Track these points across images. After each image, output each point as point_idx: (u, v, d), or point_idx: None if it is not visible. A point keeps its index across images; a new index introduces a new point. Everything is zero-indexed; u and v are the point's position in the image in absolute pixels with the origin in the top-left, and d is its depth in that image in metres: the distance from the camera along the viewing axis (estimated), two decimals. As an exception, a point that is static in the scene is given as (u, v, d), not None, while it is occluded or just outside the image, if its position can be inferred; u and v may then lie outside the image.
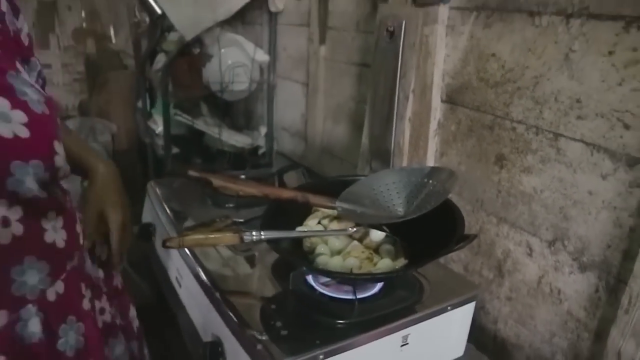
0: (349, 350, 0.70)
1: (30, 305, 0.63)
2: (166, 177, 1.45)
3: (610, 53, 0.79)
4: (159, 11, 1.79)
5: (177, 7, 1.77)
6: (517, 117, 0.96)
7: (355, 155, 1.43)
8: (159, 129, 2.22)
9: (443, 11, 1.07)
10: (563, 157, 0.89)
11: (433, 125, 1.16)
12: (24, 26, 0.70)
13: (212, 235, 0.74)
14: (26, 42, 0.70)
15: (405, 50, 1.12)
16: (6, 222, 0.58)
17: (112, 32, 3.90)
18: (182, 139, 2.16)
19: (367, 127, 1.30)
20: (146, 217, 1.26)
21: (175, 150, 2.03)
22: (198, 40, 1.89)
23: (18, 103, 0.59)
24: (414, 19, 1.10)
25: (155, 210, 1.20)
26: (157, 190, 1.26)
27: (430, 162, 1.18)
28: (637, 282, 0.76)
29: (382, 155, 1.25)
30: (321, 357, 0.67)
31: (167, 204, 1.18)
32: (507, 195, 1.01)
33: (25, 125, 0.58)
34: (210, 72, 1.90)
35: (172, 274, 1.03)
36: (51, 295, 0.66)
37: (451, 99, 1.12)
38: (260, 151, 2.07)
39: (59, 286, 0.68)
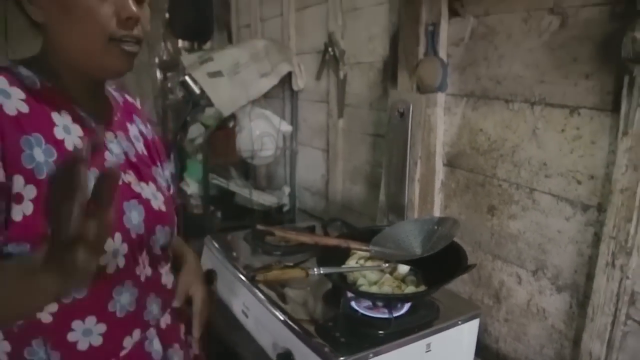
0: (389, 352, 0.97)
1: (152, 329, 0.88)
2: (220, 229, 1.73)
3: (562, 130, 1.11)
4: (197, 91, 2.14)
5: (217, 89, 2.12)
6: (502, 177, 1.27)
7: (371, 209, 1.73)
8: (191, 190, 2.53)
9: (441, 97, 1.40)
10: (537, 205, 1.19)
11: (437, 184, 1.46)
12: (155, 136, 1.00)
13: (287, 271, 1.02)
14: (158, 148, 1.00)
15: (413, 127, 1.45)
16: (143, 265, 0.85)
17: (137, 102, 4.30)
18: (214, 198, 2.46)
19: (384, 187, 1.61)
20: (206, 263, 1.53)
21: (211, 208, 2.33)
22: (233, 115, 2.24)
23: (159, 188, 0.89)
24: (419, 103, 1.43)
25: (215, 258, 1.47)
26: (214, 242, 1.54)
27: (437, 213, 1.48)
28: (597, 297, 1.04)
29: (397, 209, 1.55)
30: (371, 355, 0.94)
31: (226, 253, 1.46)
32: (498, 237, 1.30)
33: (163, 203, 0.88)
34: (242, 141, 2.23)
35: (237, 309, 1.30)
36: (163, 324, 0.91)
37: (451, 163, 1.43)
38: (285, 208, 2.36)
39: (167, 317, 0.93)
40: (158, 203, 0.86)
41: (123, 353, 0.79)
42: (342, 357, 0.92)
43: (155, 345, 0.86)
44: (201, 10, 3.08)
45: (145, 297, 0.84)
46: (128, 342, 0.80)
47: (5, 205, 0.64)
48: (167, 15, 3.31)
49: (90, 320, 0.75)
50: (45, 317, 0.71)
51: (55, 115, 0.72)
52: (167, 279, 0.92)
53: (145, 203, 0.82)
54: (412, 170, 1.49)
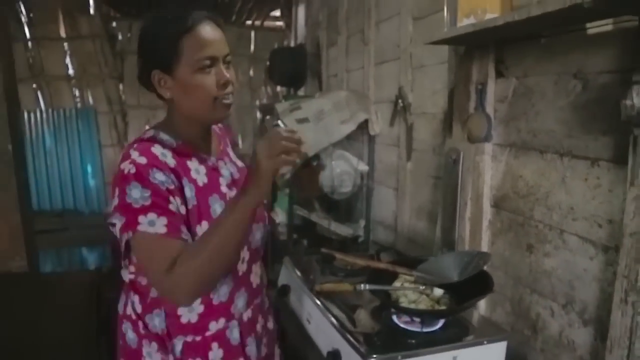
0: (416, 357, 1.17)
1: (235, 320, 1.16)
2: (295, 252, 2.03)
3: (586, 179, 1.26)
4: (288, 134, 2.49)
5: (303, 132, 2.46)
6: (537, 218, 1.43)
7: (431, 243, 1.93)
8: (279, 219, 2.88)
9: (488, 146, 1.60)
10: (567, 245, 1.33)
11: (485, 223, 1.64)
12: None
13: (339, 285, 1.28)
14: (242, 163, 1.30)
15: (464, 172, 1.65)
16: (242, 261, 1.14)
17: (240, 139, 4.86)
18: (298, 227, 2.79)
19: (440, 224, 1.81)
20: (282, 280, 1.83)
21: (294, 236, 2.65)
22: (316, 155, 2.56)
23: None
24: (469, 151, 1.64)
25: (290, 276, 1.76)
26: (291, 263, 1.83)
27: (484, 249, 1.64)
28: (614, 331, 1.16)
29: (449, 243, 1.73)
30: (399, 357, 1.15)
31: (299, 272, 1.74)
32: (535, 272, 1.44)
33: None
34: (324, 178, 2.53)
35: (304, 317, 1.57)
36: (245, 317, 1.19)
37: (497, 205, 1.60)
38: (360, 239, 2.61)
39: (249, 312, 1.21)
40: None
41: (207, 334, 1.09)
42: (375, 355, 1.14)
43: (235, 334, 1.14)
44: (297, 62, 3.52)
45: (236, 291, 1.13)
46: (213, 326, 1.10)
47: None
48: (267, 64, 3.80)
49: (197, 301, 1.05)
50: None
51: (189, 162, 1.06)
52: (255, 277, 1.20)
53: None
54: (462, 210, 1.68)
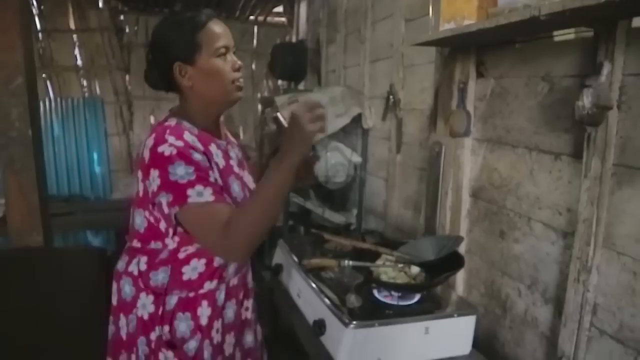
0: (392, 325, 1.32)
1: (223, 284, 1.27)
2: (290, 237, 2.18)
3: (550, 172, 1.40)
4: (286, 125, 2.63)
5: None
6: (509, 207, 1.57)
7: (416, 230, 2.07)
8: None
9: (468, 141, 1.73)
10: (533, 232, 1.47)
11: (464, 212, 1.78)
12: None
13: (324, 260, 1.42)
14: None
15: (446, 164, 1.79)
16: None
17: (241, 131, 5.00)
18: (294, 214, 2.93)
19: (423, 212, 1.95)
20: (276, 260, 1.97)
21: (290, 222, 2.79)
22: (312, 146, 2.70)
23: (250, 172, 1.34)
24: (450, 145, 1.78)
25: (284, 256, 1.91)
26: (285, 244, 1.98)
27: (463, 235, 1.78)
28: (568, 307, 1.30)
29: (431, 230, 1.88)
30: (376, 324, 1.30)
31: (291, 253, 1.88)
32: (506, 257, 1.59)
33: (252, 182, 1.32)
34: (319, 169, 2.67)
35: (294, 292, 1.71)
36: (231, 283, 1.31)
37: (474, 195, 1.74)
38: (352, 227, 2.75)
39: (235, 280, 1.31)
40: (252, 184, 1.33)
41: (200, 292, 1.24)
42: (354, 321, 1.29)
43: (221, 296, 1.29)
44: (297, 57, 3.65)
45: None
46: (207, 286, 1.24)
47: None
48: (269, 59, 3.93)
49: (202, 262, 1.21)
50: (181, 255, 1.19)
51: (210, 147, 1.20)
52: None
53: (248, 187, 1.29)
54: (443, 199, 1.82)
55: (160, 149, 1.09)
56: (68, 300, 1.69)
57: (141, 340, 1.22)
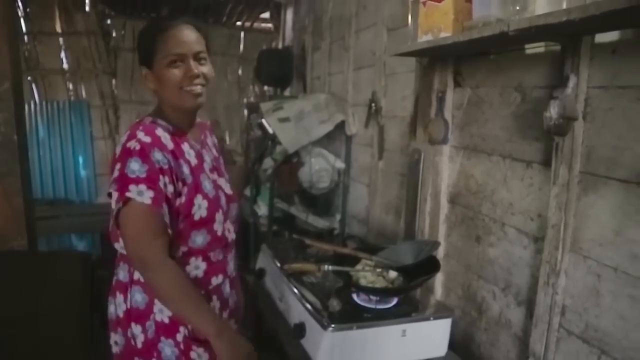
0: (370, 328, 1.36)
1: (227, 278, 1.34)
2: (273, 241, 2.21)
3: (522, 179, 1.45)
4: (270, 131, 2.68)
5: (284, 131, 2.65)
6: (484, 213, 1.62)
7: (397, 235, 2.12)
8: (261, 211, 3.06)
9: (446, 148, 1.79)
10: (507, 236, 1.52)
11: (442, 217, 1.83)
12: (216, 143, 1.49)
13: (305, 265, 1.46)
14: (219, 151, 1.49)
15: (424, 170, 1.85)
16: (229, 231, 1.33)
17: (227, 135, 5.02)
18: (278, 219, 2.96)
19: (403, 217, 2.00)
20: (259, 264, 2.00)
21: (274, 227, 2.83)
22: (296, 152, 2.74)
23: (227, 179, 1.38)
24: (429, 152, 1.83)
25: (267, 260, 1.94)
26: (268, 249, 2.01)
27: (441, 240, 1.83)
28: (539, 308, 1.35)
29: (411, 235, 1.92)
30: (354, 327, 1.34)
31: (274, 257, 1.92)
32: (482, 260, 1.64)
33: (230, 189, 1.36)
34: (303, 174, 2.72)
35: (276, 296, 1.75)
36: (232, 275, 1.37)
37: (452, 201, 1.79)
38: (336, 232, 2.80)
39: (233, 272, 1.38)
40: (228, 190, 1.37)
41: (210, 287, 1.29)
42: (333, 324, 1.33)
43: (227, 289, 1.35)
44: (283, 63, 3.70)
45: (228, 253, 1.34)
46: (214, 281, 1.29)
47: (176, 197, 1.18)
48: (256, 65, 3.97)
49: (199, 259, 1.25)
50: (178, 254, 1.22)
51: (182, 146, 1.24)
52: (234, 245, 1.39)
53: (224, 191, 1.33)
54: (422, 205, 1.87)
55: (128, 144, 1.15)
56: (52, 304, 1.71)
57: (165, 343, 1.22)
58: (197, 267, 1.26)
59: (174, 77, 1.19)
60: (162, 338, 1.22)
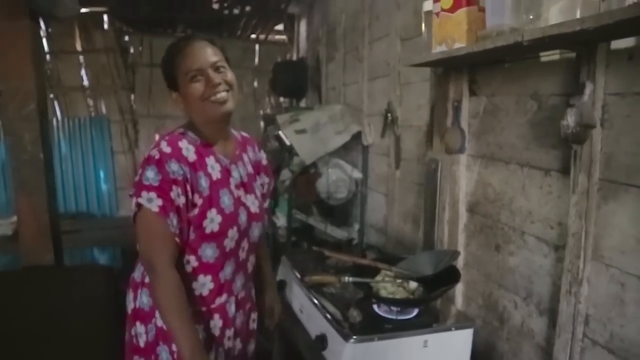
0: (391, 339, 1.36)
1: (233, 297, 1.35)
2: (292, 252, 2.22)
3: (541, 187, 1.45)
4: (287, 144, 2.70)
5: (301, 143, 2.68)
6: (503, 221, 1.61)
7: (416, 244, 2.11)
8: (280, 222, 3.08)
9: (463, 157, 1.79)
10: (527, 245, 1.52)
11: (461, 226, 1.83)
12: (261, 158, 1.51)
13: (325, 277, 1.47)
14: (263, 163, 1.51)
15: (442, 179, 1.85)
16: (242, 250, 1.34)
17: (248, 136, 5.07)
18: (297, 230, 2.98)
19: (422, 227, 2.00)
20: (280, 276, 2.02)
21: (293, 238, 2.84)
22: (313, 163, 2.77)
23: (256, 196, 1.39)
24: (446, 161, 1.83)
25: (287, 272, 1.95)
26: (288, 261, 2.02)
27: (460, 249, 1.82)
28: (562, 317, 1.34)
29: (430, 244, 1.92)
30: (375, 339, 1.34)
31: (294, 269, 1.93)
32: (502, 269, 1.63)
33: (258, 207, 1.38)
34: (321, 185, 2.74)
35: (296, 307, 1.76)
36: (239, 296, 1.38)
37: (471, 209, 1.79)
38: (354, 242, 2.80)
39: (242, 292, 1.39)
40: (255, 208, 1.37)
41: (213, 306, 1.30)
42: (354, 336, 1.33)
43: (232, 308, 1.35)
44: (298, 75, 3.74)
45: (236, 274, 1.35)
46: (218, 300, 1.30)
47: (189, 209, 1.21)
48: (271, 76, 4.02)
49: (208, 278, 1.28)
50: (188, 268, 1.26)
51: (207, 159, 1.27)
52: (250, 265, 1.41)
53: (248, 209, 1.34)
54: (441, 214, 1.87)
55: (151, 152, 1.21)
56: (77, 316, 1.75)
57: (162, 348, 1.27)
58: (203, 284, 1.28)
59: (197, 91, 1.23)
60: (161, 342, 1.27)
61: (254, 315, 1.49)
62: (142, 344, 1.29)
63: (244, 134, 1.51)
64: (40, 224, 1.82)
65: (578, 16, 1.05)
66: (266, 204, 1.53)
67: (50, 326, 1.72)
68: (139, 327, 1.30)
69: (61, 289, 1.76)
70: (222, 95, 1.24)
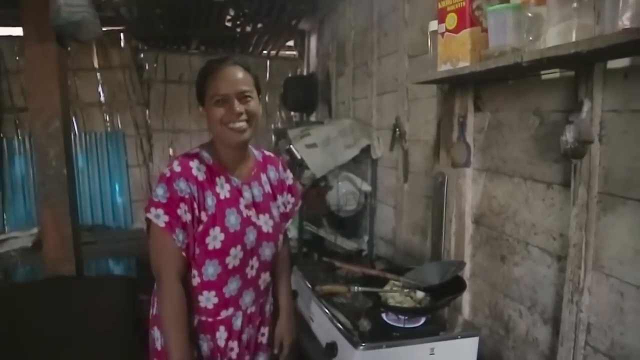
0: (399, 346, 1.42)
1: (240, 311, 1.41)
2: (303, 263, 2.29)
3: (543, 200, 1.50)
4: (299, 157, 2.78)
5: (312, 157, 2.75)
6: (508, 233, 1.67)
7: (424, 255, 2.17)
8: (291, 234, 3.14)
9: (469, 171, 1.85)
10: (531, 256, 1.56)
11: (467, 237, 1.88)
12: (285, 178, 1.56)
13: (335, 287, 1.53)
14: (288, 183, 1.57)
15: (448, 192, 1.91)
16: (251, 268, 1.41)
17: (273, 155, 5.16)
18: (308, 242, 3.04)
19: (429, 238, 2.05)
20: (292, 286, 2.08)
21: (304, 249, 2.91)
22: (324, 177, 2.83)
23: (271, 217, 1.45)
24: (452, 174, 1.89)
25: (298, 282, 2.02)
26: (299, 271, 2.08)
27: (467, 260, 1.87)
28: (564, 326, 1.39)
29: (437, 255, 1.97)
30: (384, 346, 1.40)
31: (305, 279, 1.99)
32: (507, 280, 1.68)
33: (271, 227, 1.44)
34: (331, 197, 2.80)
35: (308, 316, 1.82)
36: (248, 311, 1.43)
37: (477, 221, 1.84)
38: (364, 253, 2.85)
39: (253, 308, 1.44)
40: (267, 228, 1.43)
41: (218, 318, 1.36)
42: (363, 343, 1.39)
43: (238, 322, 1.40)
44: (308, 89, 3.83)
45: (244, 289, 1.40)
46: (223, 313, 1.37)
47: (195, 225, 1.29)
48: (282, 91, 4.11)
49: (212, 293, 1.34)
50: (194, 283, 1.33)
51: (217, 179, 1.35)
52: (262, 282, 1.46)
53: (259, 228, 1.40)
54: (448, 226, 1.92)
55: (165, 170, 1.31)
56: (99, 324, 1.82)
57: None
58: (208, 299, 1.35)
59: (218, 115, 1.30)
60: None
61: (263, 330, 1.52)
62: (159, 347, 1.39)
63: (268, 153, 1.57)
64: (62, 236, 1.91)
65: (574, 39, 1.11)
66: (287, 224, 1.59)
67: (72, 334, 1.80)
68: (156, 332, 1.39)
69: (83, 298, 1.84)
70: (241, 125, 1.31)
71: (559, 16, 1.16)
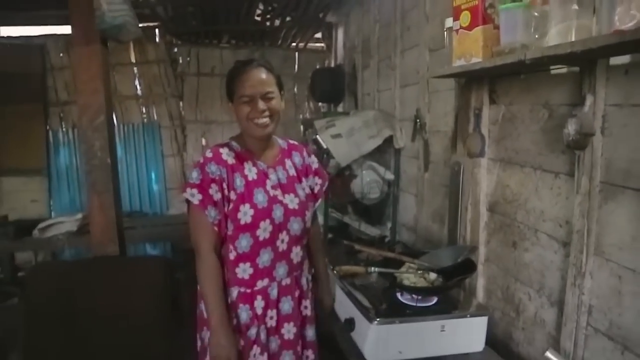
0: (411, 322, 1.54)
1: (275, 282, 1.55)
2: (329, 248, 2.42)
3: (551, 189, 1.58)
4: (324, 147, 2.90)
5: (337, 146, 2.87)
6: (520, 220, 1.75)
7: (442, 241, 2.27)
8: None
9: (483, 161, 1.93)
10: (540, 242, 1.65)
11: (482, 224, 1.97)
12: (310, 164, 1.71)
13: (354, 267, 1.66)
14: (314, 167, 1.71)
15: (464, 181, 2.00)
16: (282, 241, 1.55)
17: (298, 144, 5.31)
18: (333, 228, 3.17)
19: (446, 225, 2.15)
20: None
21: (329, 235, 3.04)
22: (348, 166, 2.95)
23: (297, 195, 1.59)
24: (468, 164, 1.98)
25: (321, 265, 2.16)
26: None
27: (481, 246, 1.97)
28: (567, 308, 1.48)
29: (454, 242, 2.07)
30: (397, 322, 1.52)
31: (329, 261, 2.13)
32: (518, 265, 1.77)
33: (297, 204, 1.57)
34: (355, 186, 2.92)
35: (330, 296, 1.96)
36: (283, 282, 1.57)
37: (491, 209, 1.93)
38: (387, 239, 2.97)
39: (287, 280, 1.58)
40: (293, 205, 1.56)
41: (255, 288, 1.52)
42: (378, 318, 1.52)
43: (274, 292, 1.55)
44: (335, 81, 3.94)
45: (277, 262, 1.55)
46: (259, 284, 1.52)
47: (225, 204, 1.48)
48: (310, 83, 4.23)
49: (247, 264, 1.50)
50: (230, 257, 1.50)
51: (245, 163, 1.52)
52: (295, 256, 1.59)
53: (285, 205, 1.54)
54: (463, 213, 2.02)
55: (200, 158, 1.52)
56: (140, 299, 2.01)
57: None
58: (244, 270, 1.51)
59: (244, 112, 1.49)
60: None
61: (305, 303, 1.65)
62: (205, 316, 1.53)
63: (292, 141, 1.73)
64: (107, 220, 2.11)
65: (573, 38, 1.20)
66: (317, 203, 1.74)
67: (117, 307, 1.99)
68: (203, 305, 1.54)
69: (126, 276, 2.03)
70: (264, 120, 1.49)
71: (560, 16, 1.24)
